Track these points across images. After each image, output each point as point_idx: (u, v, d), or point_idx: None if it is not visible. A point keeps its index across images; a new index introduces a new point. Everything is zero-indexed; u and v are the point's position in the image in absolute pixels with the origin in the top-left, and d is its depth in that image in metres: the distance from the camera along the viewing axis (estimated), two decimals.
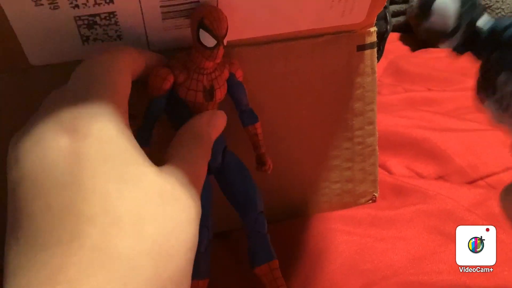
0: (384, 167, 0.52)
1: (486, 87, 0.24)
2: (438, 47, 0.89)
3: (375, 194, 0.46)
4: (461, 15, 0.22)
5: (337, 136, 0.42)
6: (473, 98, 0.26)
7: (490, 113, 0.25)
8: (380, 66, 0.80)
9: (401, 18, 1.04)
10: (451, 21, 0.22)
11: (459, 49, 0.24)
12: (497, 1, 0.86)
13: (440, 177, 0.51)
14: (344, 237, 0.41)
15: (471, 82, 0.28)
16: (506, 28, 0.22)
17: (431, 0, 0.22)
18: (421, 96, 0.68)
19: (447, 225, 0.40)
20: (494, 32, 0.22)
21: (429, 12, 0.23)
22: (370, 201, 0.46)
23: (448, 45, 0.23)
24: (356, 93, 0.41)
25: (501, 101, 0.23)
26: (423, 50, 0.91)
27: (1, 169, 0.36)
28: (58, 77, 0.34)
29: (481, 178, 0.50)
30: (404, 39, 1.00)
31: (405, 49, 0.96)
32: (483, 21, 0.23)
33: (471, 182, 0.50)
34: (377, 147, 0.44)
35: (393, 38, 0.99)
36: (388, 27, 0.74)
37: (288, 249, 0.40)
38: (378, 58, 0.76)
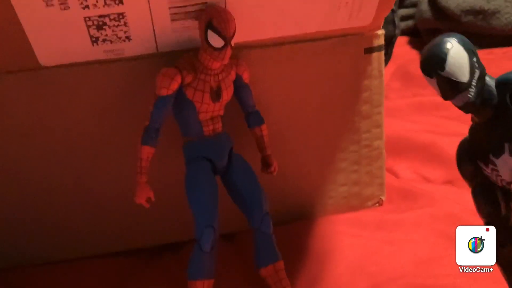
0: (391, 171, 0.52)
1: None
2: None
3: (382, 198, 0.46)
4: (473, 68, 0.22)
5: (344, 138, 0.42)
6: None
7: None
8: (388, 71, 0.79)
9: (409, 22, 1.04)
10: (466, 74, 0.22)
11: (469, 108, 0.24)
12: (507, 6, 0.86)
13: (447, 182, 0.50)
14: (351, 240, 0.41)
15: None
16: None
17: (443, 51, 0.22)
18: (429, 100, 0.68)
19: (454, 229, 0.40)
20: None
21: (444, 65, 0.23)
22: (377, 204, 0.46)
23: (461, 99, 0.23)
24: (364, 95, 0.41)
25: None
26: None
27: (2, 167, 0.36)
28: (67, 78, 0.35)
29: None
30: (412, 43, 1.00)
31: (413, 53, 0.96)
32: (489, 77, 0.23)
33: None
34: (384, 150, 0.44)
35: (401, 42, 0.98)
36: (397, 31, 0.74)
37: (294, 251, 0.40)
38: (386, 62, 0.76)
